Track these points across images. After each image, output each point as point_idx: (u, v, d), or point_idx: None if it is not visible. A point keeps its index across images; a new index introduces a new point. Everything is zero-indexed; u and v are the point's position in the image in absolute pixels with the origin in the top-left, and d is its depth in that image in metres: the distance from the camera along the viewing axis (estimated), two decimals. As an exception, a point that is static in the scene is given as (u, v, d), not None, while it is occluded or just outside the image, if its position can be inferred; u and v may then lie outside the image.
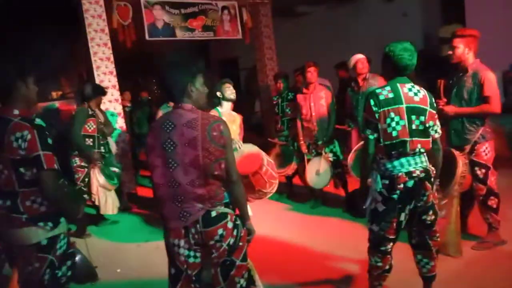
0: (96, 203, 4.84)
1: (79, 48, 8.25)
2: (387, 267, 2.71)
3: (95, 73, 6.82)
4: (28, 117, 2.25)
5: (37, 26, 10.40)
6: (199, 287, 2.29)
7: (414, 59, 2.56)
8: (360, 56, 4.90)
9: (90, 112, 4.87)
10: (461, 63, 3.47)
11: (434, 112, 2.59)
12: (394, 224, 2.58)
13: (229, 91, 3.98)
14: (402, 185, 2.50)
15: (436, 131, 2.61)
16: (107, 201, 4.89)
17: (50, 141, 2.24)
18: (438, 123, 2.62)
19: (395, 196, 2.53)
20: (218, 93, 3.95)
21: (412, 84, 2.59)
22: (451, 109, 3.45)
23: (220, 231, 2.17)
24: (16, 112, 2.24)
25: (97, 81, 6.81)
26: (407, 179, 2.51)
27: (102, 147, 4.96)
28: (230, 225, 2.20)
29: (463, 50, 3.43)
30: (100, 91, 5.08)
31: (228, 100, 3.99)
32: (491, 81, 3.35)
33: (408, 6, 8.65)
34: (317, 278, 3.43)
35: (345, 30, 9.23)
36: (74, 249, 2.55)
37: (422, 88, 2.61)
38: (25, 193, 2.24)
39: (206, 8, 8.01)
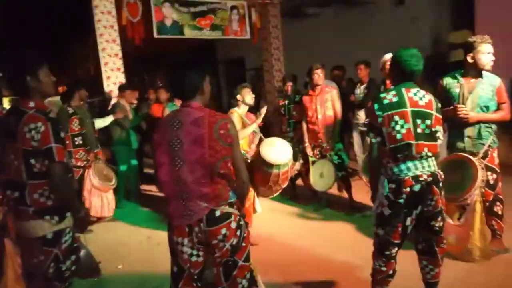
0: (86, 205, 4.74)
1: (87, 43, 8.30)
2: (390, 272, 2.70)
3: (103, 69, 6.85)
4: (43, 110, 2.28)
5: (47, 21, 10.49)
6: (201, 286, 2.30)
7: (421, 65, 2.59)
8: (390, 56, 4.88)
9: (71, 111, 4.89)
10: (479, 68, 3.44)
11: (440, 117, 2.60)
12: (399, 229, 2.58)
13: (250, 96, 4.28)
14: (408, 189, 2.50)
15: (438, 137, 2.61)
16: (103, 202, 4.85)
17: (62, 134, 2.27)
18: (441, 129, 2.63)
19: (401, 201, 2.52)
20: (239, 97, 4.23)
21: (418, 89, 2.61)
22: (474, 116, 3.42)
23: (223, 230, 2.18)
24: (32, 104, 2.26)
25: (104, 77, 6.85)
26: (413, 183, 2.50)
27: (92, 143, 5.03)
28: (233, 225, 2.21)
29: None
30: (77, 86, 5.13)
31: (247, 104, 4.28)
32: (503, 87, 3.40)
33: (418, 11, 8.62)
34: (319, 280, 3.42)
35: (354, 32, 9.21)
36: (78, 244, 2.55)
37: (428, 93, 2.62)
38: (33, 185, 2.25)
39: (215, 7, 8.03)
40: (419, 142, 2.50)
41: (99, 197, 4.83)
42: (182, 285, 2.25)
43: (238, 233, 2.22)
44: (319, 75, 5.03)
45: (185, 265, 2.24)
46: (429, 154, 2.54)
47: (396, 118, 2.50)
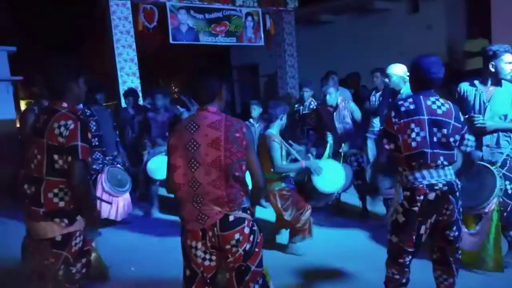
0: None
1: (104, 49, 8.42)
2: (404, 280, 2.67)
3: (119, 73, 6.95)
4: (75, 111, 2.39)
5: (65, 26, 10.68)
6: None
7: (441, 73, 2.57)
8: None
9: (89, 113, 4.90)
10: (500, 77, 3.39)
11: (459, 126, 2.56)
12: (414, 237, 2.55)
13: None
14: (422, 197, 2.47)
15: (467, 145, 2.60)
16: (112, 207, 4.83)
17: (89, 136, 2.34)
18: (470, 137, 2.60)
19: (415, 209, 2.50)
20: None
21: (437, 97, 2.58)
22: (491, 125, 3.37)
23: (237, 235, 2.19)
24: (65, 105, 2.37)
25: (120, 82, 6.94)
26: (427, 191, 2.47)
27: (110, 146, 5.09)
28: (247, 230, 2.22)
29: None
30: (97, 90, 5.14)
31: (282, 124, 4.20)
32: None
33: (433, 18, 8.58)
34: (331, 286, 3.40)
35: (369, 40, 9.19)
36: (89, 247, 2.57)
37: (448, 102, 2.59)
38: (51, 182, 2.29)
39: (230, 14, 8.10)
40: (435, 150, 2.48)
41: (111, 201, 4.81)
42: None
43: (251, 238, 2.24)
44: (330, 95, 5.02)
45: (198, 269, 2.25)
46: (445, 163, 2.51)
47: (412, 125, 2.49)
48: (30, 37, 11.24)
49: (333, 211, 5.29)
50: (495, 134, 3.39)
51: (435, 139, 2.48)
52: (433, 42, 8.19)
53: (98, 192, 4.70)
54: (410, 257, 2.62)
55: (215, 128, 2.18)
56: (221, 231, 2.18)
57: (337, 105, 5.09)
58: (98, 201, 4.57)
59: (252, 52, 10.84)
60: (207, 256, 2.24)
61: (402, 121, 2.51)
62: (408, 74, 4.44)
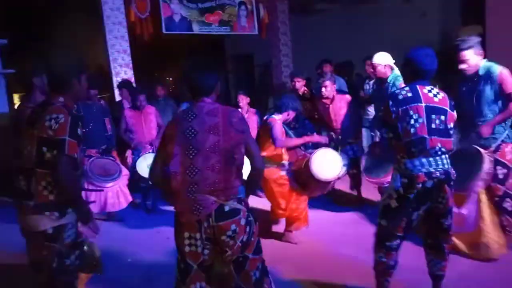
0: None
1: (96, 40, 8.35)
2: (391, 263, 2.73)
3: (112, 65, 6.90)
4: (69, 106, 2.37)
5: (57, 17, 10.56)
6: (208, 282, 2.32)
7: (435, 65, 2.62)
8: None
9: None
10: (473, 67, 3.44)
11: (454, 114, 2.63)
12: (404, 222, 2.61)
13: None
14: (420, 185, 2.52)
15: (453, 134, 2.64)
16: (101, 198, 4.71)
17: (79, 132, 2.32)
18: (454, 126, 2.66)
19: (411, 196, 2.55)
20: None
21: (432, 87, 2.64)
22: (487, 130, 3.40)
23: (233, 226, 2.21)
24: (61, 99, 2.37)
25: (113, 74, 6.90)
26: (426, 179, 2.52)
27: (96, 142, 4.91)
28: (243, 222, 2.25)
29: (475, 60, 3.41)
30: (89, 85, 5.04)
31: None
32: (508, 76, 3.34)
33: (427, 6, 8.55)
34: (325, 274, 3.43)
35: (363, 29, 9.15)
36: (83, 239, 2.57)
37: (441, 91, 2.65)
38: (41, 173, 2.29)
39: (223, 3, 8.03)
40: (433, 137, 2.53)
41: (100, 193, 4.68)
42: (189, 281, 2.27)
43: (247, 229, 2.27)
44: (326, 89, 5.00)
45: (194, 262, 2.25)
46: (443, 150, 2.56)
47: (411, 112, 2.53)
48: (22, 30, 11.12)
49: (329, 199, 5.31)
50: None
51: (433, 126, 2.53)
52: (427, 30, 8.18)
53: (85, 184, 4.56)
54: (398, 241, 2.68)
55: (213, 115, 2.23)
56: (217, 221, 2.19)
57: (333, 97, 5.08)
58: (88, 193, 4.49)
59: (247, 41, 10.78)
60: (202, 248, 2.24)
61: (400, 108, 2.55)
62: (394, 61, 4.47)
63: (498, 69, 3.36)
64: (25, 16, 10.62)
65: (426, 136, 2.51)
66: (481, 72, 3.41)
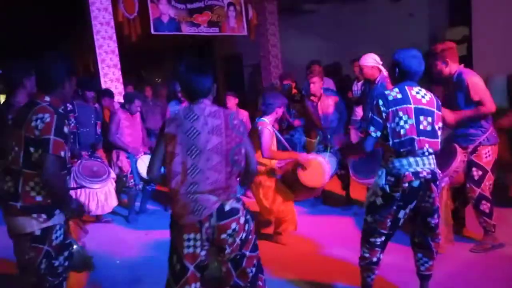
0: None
1: (84, 40, 8.28)
2: (374, 259, 2.76)
3: (100, 66, 6.84)
4: (55, 106, 2.36)
5: (43, 18, 10.45)
6: (203, 283, 2.32)
7: (423, 66, 2.67)
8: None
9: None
10: (449, 75, 3.52)
11: (440, 114, 2.68)
12: (389, 220, 2.65)
13: None
14: (407, 184, 2.55)
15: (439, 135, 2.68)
16: (91, 200, 4.55)
17: (66, 130, 2.30)
18: (441, 126, 2.70)
19: (396, 194, 2.58)
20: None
21: (420, 88, 2.68)
22: (449, 115, 3.44)
23: (233, 225, 2.24)
24: (47, 99, 2.36)
25: (101, 74, 6.84)
26: (413, 178, 2.55)
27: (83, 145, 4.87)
28: (242, 220, 2.29)
29: (445, 66, 3.50)
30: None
31: None
32: (476, 83, 3.39)
33: (415, 7, 8.63)
34: (316, 274, 3.44)
35: (351, 29, 9.20)
36: (71, 240, 2.56)
37: (428, 92, 2.70)
38: (28, 174, 2.28)
39: (212, 3, 8.01)
40: (421, 138, 2.57)
41: (89, 196, 4.56)
42: (184, 282, 2.25)
43: (246, 227, 2.32)
44: (314, 85, 5.03)
45: (191, 263, 2.24)
46: (430, 150, 2.61)
47: (401, 113, 2.57)
48: (8, 30, 10.99)
49: (318, 200, 5.32)
50: (468, 126, 3.49)
51: (421, 127, 2.58)
52: (415, 30, 8.25)
53: (72, 185, 4.45)
54: (382, 238, 2.73)
55: (214, 116, 2.27)
56: (218, 221, 2.21)
57: (321, 95, 5.11)
58: (78, 195, 4.43)
59: (236, 42, 10.77)
60: (201, 249, 2.24)
61: (390, 109, 2.59)
62: (381, 62, 4.50)
63: (467, 76, 3.42)
64: (11, 16, 10.49)
65: (415, 137, 2.56)
66: (454, 79, 3.48)
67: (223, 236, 2.23)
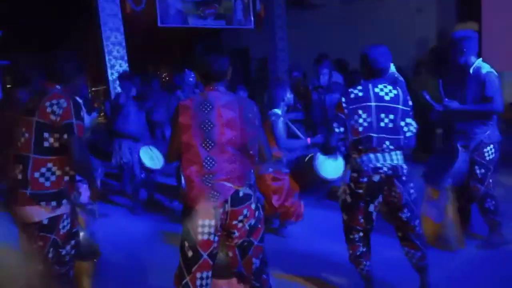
0: None
1: (91, 32, 8.28)
2: (357, 253, 2.85)
3: (107, 57, 6.85)
4: (67, 92, 2.42)
5: (51, 9, 10.47)
6: (213, 269, 2.32)
7: (388, 63, 2.75)
8: None
9: None
10: (465, 65, 3.45)
11: (407, 109, 2.69)
12: (360, 217, 2.72)
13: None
14: (366, 179, 2.62)
15: (409, 130, 2.68)
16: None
17: (82, 114, 2.37)
18: (412, 122, 2.70)
19: (360, 191, 2.66)
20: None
21: (385, 84, 2.70)
22: (455, 105, 3.42)
23: (245, 211, 2.26)
24: (58, 86, 2.41)
25: (108, 66, 6.85)
26: (371, 173, 2.62)
27: None
28: (253, 206, 2.30)
29: (460, 55, 3.43)
30: None
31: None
32: (494, 81, 3.34)
33: (423, 2, 8.54)
34: (316, 269, 3.44)
35: (359, 23, 9.13)
36: (77, 228, 2.58)
37: (397, 88, 2.72)
38: (37, 160, 2.30)
39: (219, -4, 7.98)
40: (381, 135, 2.61)
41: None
42: (196, 269, 2.24)
43: (256, 214, 2.32)
44: (323, 76, 5.02)
45: (204, 250, 2.23)
46: (391, 147, 2.64)
47: (360, 111, 2.63)
48: (15, 22, 11.02)
49: (324, 195, 5.31)
50: (469, 122, 3.46)
51: (382, 124, 2.62)
52: (423, 26, 8.17)
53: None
54: (360, 234, 2.81)
55: (229, 108, 2.25)
56: (232, 206, 2.23)
57: (329, 87, 5.08)
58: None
59: (243, 35, 10.73)
60: (216, 235, 2.24)
61: (351, 107, 2.65)
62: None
63: (486, 70, 3.36)
64: (19, 8, 10.52)
65: (373, 135, 2.60)
66: (471, 71, 3.41)
67: (234, 222, 2.25)
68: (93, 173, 2.57)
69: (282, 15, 9.10)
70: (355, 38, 8.56)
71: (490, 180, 3.50)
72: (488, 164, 3.47)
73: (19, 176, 2.32)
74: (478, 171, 3.49)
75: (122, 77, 5.78)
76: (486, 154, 3.47)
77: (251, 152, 2.29)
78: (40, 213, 2.31)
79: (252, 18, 8.44)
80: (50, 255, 2.36)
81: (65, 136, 2.28)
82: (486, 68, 3.38)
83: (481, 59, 3.47)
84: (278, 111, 4.03)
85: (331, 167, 4.00)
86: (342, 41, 8.88)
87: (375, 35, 8.06)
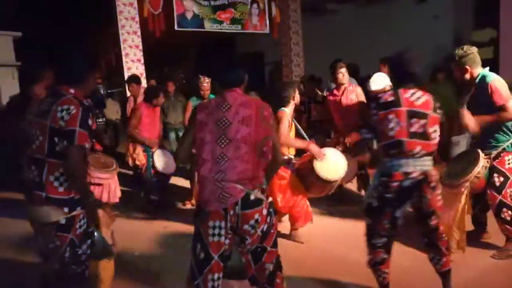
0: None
1: (109, 35, 8.40)
2: (378, 259, 2.81)
3: (124, 60, 6.95)
4: (79, 98, 2.41)
5: (69, 11, 10.64)
6: (226, 272, 2.34)
7: (419, 69, 2.71)
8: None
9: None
10: (471, 79, 3.44)
11: (437, 116, 2.67)
12: (385, 221, 2.69)
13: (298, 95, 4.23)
14: (397, 183, 2.60)
15: (437, 136, 2.68)
16: (104, 190, 4.56)
17: (90, 122, 2.35)
18: (437, 128, 2.68)
19: (389, 195, 2.63)
20: (289, 94, 4.11)
21: (416, 90, 2.68)
22: (472, 122, 3.36)
23: (256, 215, 2.27)
24: (72, 91, 2.41)
25: (125, 68, 6.94)
26: (402, 178, 2.60)
27: None
28: (265, 212, 2.31)
29: (465, 72, 3.41)
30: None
31: (296, 103, 4.24)
32: (499, 88, 3.29)
33: (440, 8, 8.50)
34: (333, 275, 3.43)
35: (375, 29, 9.12)
36: (93, 229, 2.60)
37: (427, 94, 2.70)
38: (52, 164, 2.32)
39: (235, 1, 8.05)
40: (412, 140, 2.59)
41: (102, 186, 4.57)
42: (207, 271, 2.27)
43: (268, 219, 2.33)
44: (343, 74, 4.99)
45: (215, 252, 2.26)
46: (423, 152, 2.62)
47: (390, 116, 2.61)
48: (32, 23, 11.21)
49: (335, 200, 5.29)
50: (494, 131, 3.41)
51: (412, 130, 2.60)
52: (440, 32, 8.13)
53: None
54: (383, 239, 2.76)
55: (246, 107, 2.32)
56: (242, 209, 2.24)
57: (345, 89, 5.06)
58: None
59: (258, 39, 10.78)
60: (226, 237, 2.27)
61: (381, 112, 2.64)
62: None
63: (490, 79, 3.33)
64: (39, 9, 10.71)
65: (404, 139, 2.58)
66: (477, 80, 3.39)
67: (245, 226, 2.26)
68: (85, 186, 2.45)
69: (298, 20, 9.11)
70: (370, 44, 8.56)
71: (508, 190, 3.45)
72: (508, 173, 3.43)
73: (36, 179, 2.35)
74: (496, 179, 3.44)
75: (131, 80, 5.84)
76: (506, 163, 3.42)
77: (264, 149, 2.32)
78: (57, 213, 2.34)
79: (268, 23, 8.47)
80: (67, 254, 2.38)
81: (65, 142, 2.28)
82: (490, 76, 3.35)
83: (487, 68, 3.43)
84: (286, 109, 4.07)
85: (331, 167, 3.99)
86: (357, 46, 8.87)
87: (390, 41, 8.04)
